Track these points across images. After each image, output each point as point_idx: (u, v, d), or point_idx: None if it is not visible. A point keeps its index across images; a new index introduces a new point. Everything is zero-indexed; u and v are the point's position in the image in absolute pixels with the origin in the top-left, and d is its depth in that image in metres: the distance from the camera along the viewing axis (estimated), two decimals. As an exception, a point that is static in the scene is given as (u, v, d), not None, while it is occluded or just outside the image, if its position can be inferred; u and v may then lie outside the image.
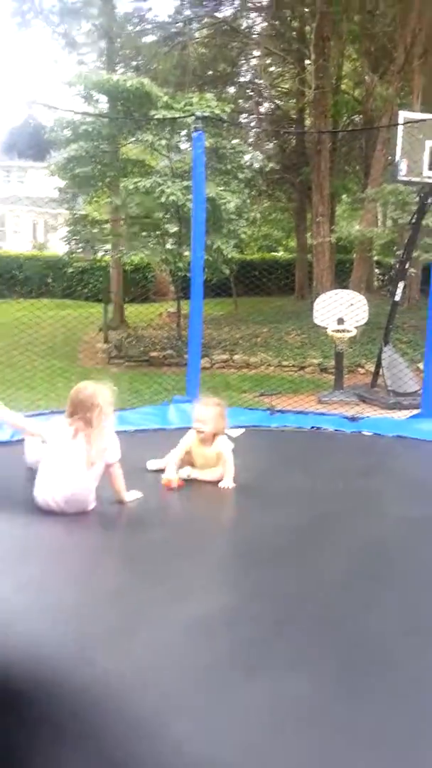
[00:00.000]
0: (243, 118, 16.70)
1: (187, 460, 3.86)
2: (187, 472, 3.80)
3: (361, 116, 17.76)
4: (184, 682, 1.72)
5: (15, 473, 3.59)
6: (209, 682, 1.73)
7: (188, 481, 3.74)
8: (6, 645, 1.84)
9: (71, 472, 3.05)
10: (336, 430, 5.64)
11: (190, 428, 3.89)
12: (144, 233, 10.87)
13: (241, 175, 10.95)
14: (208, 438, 3.81)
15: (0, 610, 2.08)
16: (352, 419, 5.98)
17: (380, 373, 8.19)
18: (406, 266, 8.23)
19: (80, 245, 11.41)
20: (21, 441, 3.83)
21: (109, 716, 1.55)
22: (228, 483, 3.71)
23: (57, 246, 17.08)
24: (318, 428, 5.70)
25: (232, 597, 2.31)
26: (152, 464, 3.93)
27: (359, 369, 10.23)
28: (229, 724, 1.53)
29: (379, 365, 8.25)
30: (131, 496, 3.31)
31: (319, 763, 1.44)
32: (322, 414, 6.30)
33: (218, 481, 3.74)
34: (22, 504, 3.10)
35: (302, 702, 1.65)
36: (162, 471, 3.76)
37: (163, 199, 9.46)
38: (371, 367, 9.04)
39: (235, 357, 10.74)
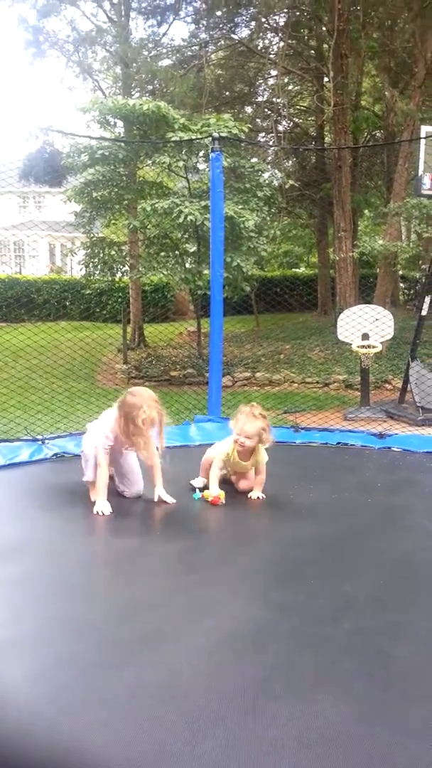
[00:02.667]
0: (261, 137, 16.70)
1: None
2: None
3: (381, 131, 17.66)
4: (208, 701, 1.65)
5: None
6: (235, 702, 1.66)
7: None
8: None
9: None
10: (363, 446, 5.47)
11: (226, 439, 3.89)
12: (163, 253, 10.83)
13: (260, 193, 10.87)
14: (248, 451, 3.75)
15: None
16: (380, 436, 5.75)
17: (408, 388, 7.96)
18: (433, 279, 8.02)
19: (98, 267, 11.41)
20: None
21: (134, 733, 1.50)
22: (259, 493, 3.73)
23: (75, 269, 17.24)
24: (345, 444, 5.53)
25: (259, 612, 2.22)
26: (197, 482, 3.93)
27: (386, 385, 9.97)
28: (256, 748, 1.47)
29: (406, 381, 8.02)
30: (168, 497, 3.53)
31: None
32: (349, 431, 6.10)
33: (247, 491, 3.77)
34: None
35: (330, 725, 1.56)
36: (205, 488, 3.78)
37: (181, 219, 9.42)
38: (398, 383, 8.79)
39: (258, 374, 10.55)
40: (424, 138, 6.99)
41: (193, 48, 15.20)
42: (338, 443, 5.57)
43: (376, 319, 8.13)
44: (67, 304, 18.42)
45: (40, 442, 5.34)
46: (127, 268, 11.58)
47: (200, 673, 1.80)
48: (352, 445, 5.52)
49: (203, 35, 15.38)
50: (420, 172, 7.02)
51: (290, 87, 17.68)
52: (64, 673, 1.77)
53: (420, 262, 13.13)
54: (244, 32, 15.83)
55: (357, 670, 1.84)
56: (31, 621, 2.14)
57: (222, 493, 3.68)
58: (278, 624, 2.13)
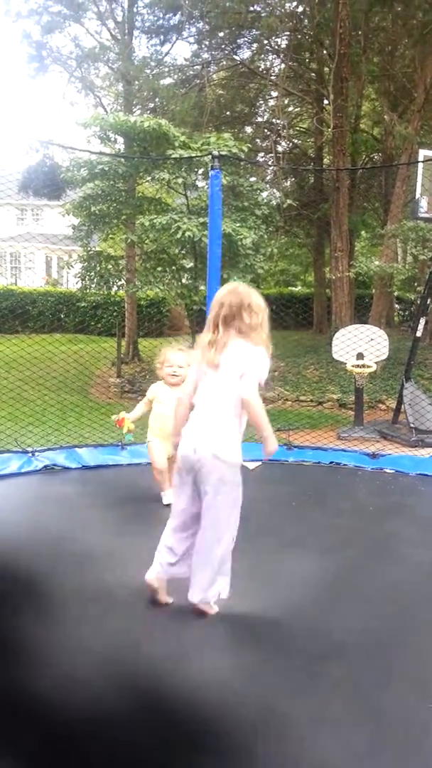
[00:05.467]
0: (260, 157, 16.84)
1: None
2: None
3: (380, 154, 17.86)
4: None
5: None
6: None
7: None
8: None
9: None
10: (356, 466, 5.45)
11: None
12: (159, 268, 10.84)
13: (258, 212, 10.91)
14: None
15: None
16: (373, 456, 5.72)
17: (402, 409, 7.95)
18: (428, 302, 8.05)
19: (94, 281, 11.40)
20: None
21: None
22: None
23: (71, 282, 17.24)
24: (337, 464, 5.51)
25: (251, 653, 2.13)
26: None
27: (380, 405, 9.95)
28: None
29: (400, 401, 8.00)
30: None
31: None
32: (342, 450, 6.07)
33: None
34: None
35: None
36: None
37: (179, 235, 9.43)
38: (392, 404, 8.78)
39: (252, 392, 10.50)
40: (422, 162, 7.05)
41: (195, 68, 15.35)
42: (331, 462, 5.55)
43: (371, 339, 8.13)
44: (62, 316, 18.40)
45: (30, 455, 5.30)
46: (123, 282, 11.57)
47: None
48: (344, 464, 5.49)
49: (205, 55, 15.56)
50: (417, 195, 7.07)
51: (290, 108, 17.86)
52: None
53: (415, 284, 13.20)
54: (245, 53, 16.03)
55: (350, 719, 1.78)
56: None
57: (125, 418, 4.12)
58: (268, 667, 2.06)
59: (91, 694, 1.78)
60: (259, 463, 5.09)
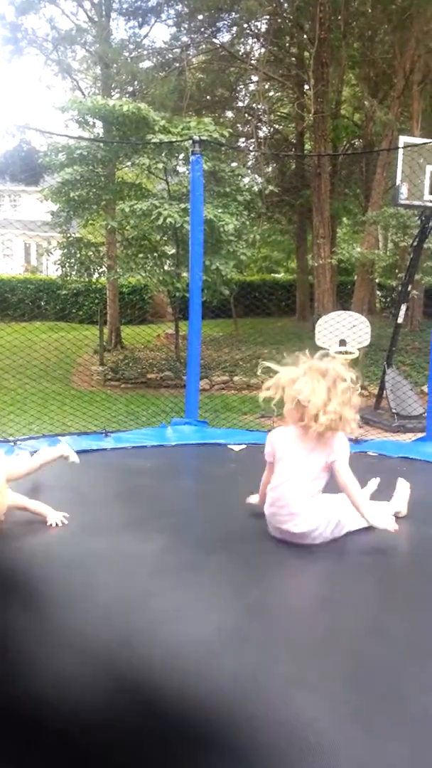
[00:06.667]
0: (242, 142, 16.73)
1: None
2: None
3: (360, 140, 17.84)
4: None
5: None
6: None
7: None
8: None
9: None
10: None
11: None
12: (141, 255, 10.75)
13: (240, 198, 10.85)
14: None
15: None
16: (356, 441, 5.73)
17: (384, 395, 8.00)
18: (409, 288, 8.09)
19: (74, 268, 11.27)
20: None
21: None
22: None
23: (50, 269, 17.06)
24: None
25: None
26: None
27: (362, 391, 9.97)
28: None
29: (382, 387, 8.06)
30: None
31: None
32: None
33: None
34: None
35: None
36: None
37: (160, 221, 9.34)
38: (374, 390, 8.82)
39: (235, 378, 10.51)
40: (402, 148, 7.05)
41: (174, 51, 15.16)
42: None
43: (354, 326, 8.15)
44: (42, 304, 18.18)
45: (12, 443, 5.24)
46: (104, 269, 11.45)
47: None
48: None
49: (185, 38, 15.36)
50: (398, 182, 7.08)
51: (271, 93, 17.75)
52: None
53: (396, 270, 13.26)
54: (225, 37, 15.85)
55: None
56: None
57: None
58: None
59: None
60: (244, 445, 5.13)
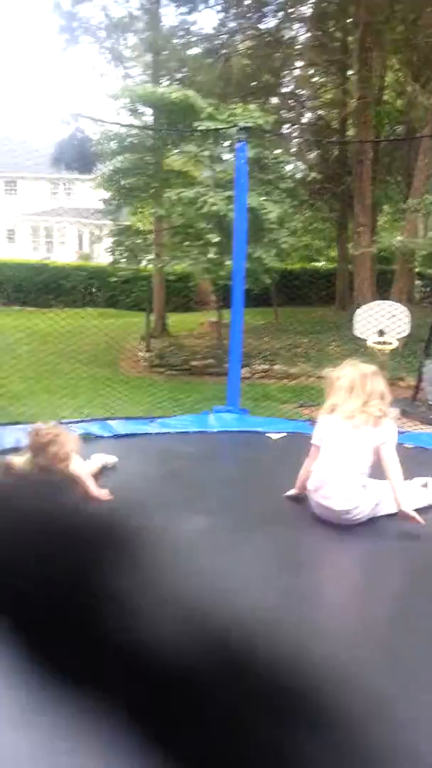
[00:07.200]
0: (285, 129, 16.73)
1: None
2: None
3: (403, 126, 17.61)
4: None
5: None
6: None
7: None
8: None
9: None
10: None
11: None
12: (186, 243, 10.96)
13: (283, 185, 10.93)
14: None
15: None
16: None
17: (421, 387, 8.07)
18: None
19: (124, 255, 11.55)
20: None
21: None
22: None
23: (102, 256, 17.34)
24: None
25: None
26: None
27: (400, 382, 10.08)
28: None
29: (420, 379, 8.13)
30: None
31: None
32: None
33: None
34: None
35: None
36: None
37: (205, 210, 9.49)
38: (412, 381, 8.91)
39: (275, 367, 10.70)
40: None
41: (221, 37, 15.21)
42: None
43: (393, 315, 8.18)
44: (94, 290, 18.57)
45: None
46: (152, 256, 11.71)
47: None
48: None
49: (232, 24, 15.38)
50: (440, 170, 7.02)
51: (315, 79, 17.64)
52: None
53: (437, 259, 13.20)
54: (271, 22, 15.82)
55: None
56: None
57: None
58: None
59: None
60: (284, 433, 5.30)
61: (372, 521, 3.16)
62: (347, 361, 3.37)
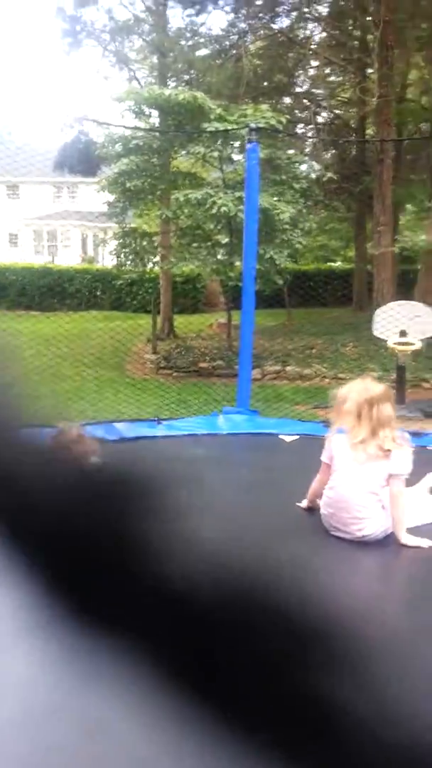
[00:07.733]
0: (300, 128, 16.43)
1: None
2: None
3: (428, 124, 17.24)
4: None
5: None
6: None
7: None
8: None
9: None
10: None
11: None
12: (195, 244, 10.73)
13: (296, 185, 10.67)
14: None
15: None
16: (415, 434, 5.56)
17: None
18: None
19: (129, 257, 11.38)
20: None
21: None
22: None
23: (106, 259, 17.21)
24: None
25: None
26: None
27: (423, 384, 9.69)
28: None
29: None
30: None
31: None
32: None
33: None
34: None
35: None
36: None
37: (214, 210, 9.28)
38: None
39: (288, 368, 10.38)
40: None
41: (231, 38, 14.99)
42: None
43: (417, 316, 7.85)
44: (98, 293, 18.49)
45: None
46: (158, 258, 11.51)
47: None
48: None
49: (242, 24, 15.16)
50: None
51: (331, 78, 17.35)
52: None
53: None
54: (284, 22, 15.57)
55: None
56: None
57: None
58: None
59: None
60: (297, 436, 5.09)
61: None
62: (358, 380, 3.31)
